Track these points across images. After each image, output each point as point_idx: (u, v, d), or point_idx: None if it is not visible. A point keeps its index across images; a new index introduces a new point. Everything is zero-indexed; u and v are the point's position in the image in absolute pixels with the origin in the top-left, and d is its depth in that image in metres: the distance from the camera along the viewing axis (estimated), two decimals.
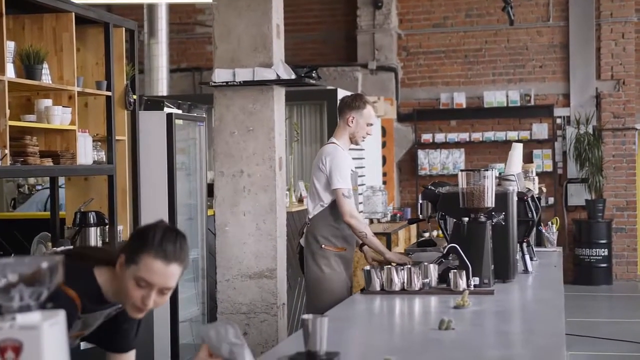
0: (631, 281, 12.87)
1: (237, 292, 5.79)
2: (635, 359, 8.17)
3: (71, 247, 5.20)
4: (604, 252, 12.55)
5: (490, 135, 13.11)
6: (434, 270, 4.41)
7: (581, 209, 12.96)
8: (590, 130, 12.72)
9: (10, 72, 4.87)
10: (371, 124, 5.44)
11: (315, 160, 5.42)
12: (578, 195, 12.91)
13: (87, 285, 2.74)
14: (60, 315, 1.83)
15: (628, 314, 10.56)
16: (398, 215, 11.04)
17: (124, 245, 2.76)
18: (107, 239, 5.81)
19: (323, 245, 5.30)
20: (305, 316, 2.80)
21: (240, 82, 5.67)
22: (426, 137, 13.30)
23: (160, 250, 2.64)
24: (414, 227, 11.33)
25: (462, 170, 4.56)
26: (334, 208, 5.26)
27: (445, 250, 4.52)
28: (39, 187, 8.74)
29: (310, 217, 5.40)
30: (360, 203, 9.99)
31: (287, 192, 7.91)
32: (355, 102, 5.41)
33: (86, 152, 5.49)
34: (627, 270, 12.95)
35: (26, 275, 1.79)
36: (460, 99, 13.23)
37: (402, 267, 4.38)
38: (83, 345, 4.60)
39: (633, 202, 12.97)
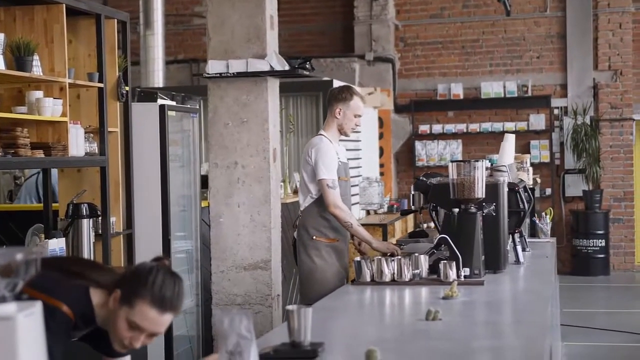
0: (628, 272, 12.88)
1: (231, 283, 5.80)
2: (631, 349, 8.18)
3: (67, 256, 5.18)
4: (601, 242, 12.56)
5: (487, 126, 13.10)
6: (424, 261, 4.41)
7: (578, 200, 12.96)
8: (588, 121, 12.71)
9: (0, 64, 4.86)
10: (359, 115, 5.45)
11: (304, 153, 5.45)
12: (575, 186, 12.90)
13: (82, 305, 2.72)
14: (36, 306, 1.83)
15: (625, 304, 10.57)
16: (395, 206, 11.04)
17: (121, 279, 2.73)
18: (99, 231, 5.81)
19: (314, 237, 5.33)
20: (290, 307, 2.81)
21: (233, 73, 5.66)
22: (423, 128, 13.29)
23: (158, 299, 2.63)
24: (410, 218, 11.34)
25: (452, 161, 4.57)
26: (323, 199, 5.28)
27: (436, 241, 4.52)
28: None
29: (301, 209, 5.44)
30: (356, 194, 10.01)
31: (282, 184, 7.92)
32: (342, 93, 5.43)
33: (78, 143, 5.49)
34: (624, 261, 12.96)
35: (1, 266, 1.80)
36: (457, 90, 13.22)
37: (392, 259, 4.38)
38: None
39: (630, 192, 12.97)
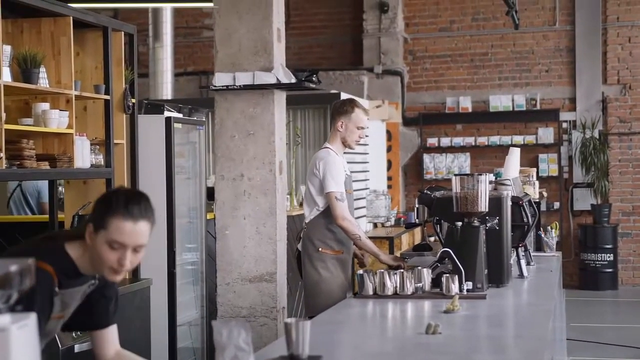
0: (637, 286, 12.82)
1: (237, 295, 5.80)
2: None
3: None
4: (609, 257, 12.51)
5: (496, 139, 13.09)
6: (427, 275, 4.41)
7: (587, 214, 12.92)
8: (596, 135, 12.69)
9: (7, 76, 4.89)
10: (362, 127, 5.49)
11: (309, 166, 5.50)
12: (584, 200, 12.87)
13: (61, 260, 2.81)
14: (30, 318, 1.84)
15: (633, 319, 10.52)
16: (402, 219, 11.03)
17: (89, 218, 2.82)
18: None
19: (320, 249, 5.36)
20: (288, 320, 2.81)
21: (240, 86, 5.69)
22: (432, 141, 13.29)
23: (127, 211, 2.73)
24: (418, 231, 11.32)
25: (456, 175, 4.56)
26: (330, 212, 5.30)
27: (439, 254, 4.51)
28: None
29: (306, 221, 5.47)
30: (363, 207, 10.01)
31: (289, 196, 7.93)
32: (344, 106, 5.49)
33: (84, 155, 5.51)
34: (632, 276, 12.91)
35: None
36: (466, 103, 13.22)
37: (394, 272, 4.38)
38: (77, 347, 4.65)
39: (639, 207, 12.93)
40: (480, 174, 4.49)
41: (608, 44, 12.96)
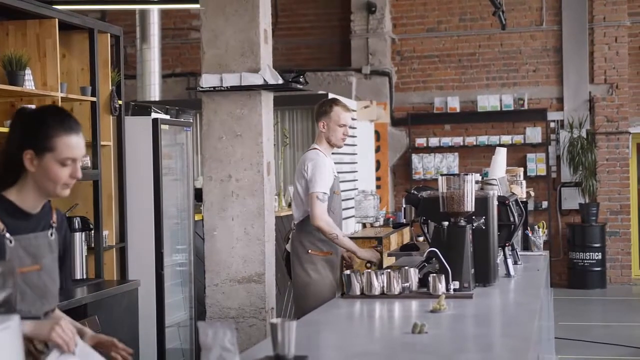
0: (625, 285, 12.87)
1: (225, 296, 5.80)
2: None
3: None
4: (597, 255, 12.56)
5: (484, 139, 13.12)
6: (414, 275, 4.41)
7: (575, 213, 12.96)
8: (584, 134, 12.73)
9: None
10: (343, 125, 5.50)
11: (297, 167, 5.51)
12: (572, 199, 12.91)
13: (2, 206, 2.79)
14: (13, 320, 1.84)
15: (621, 317, 10.56)
16: (391, 219, 11.03)
17: (20, 142, 2.79)
18: (92, 244, 5.81)
19: (309, 251, 5.37)
20: (273, 320, 2.82)
21: (227, 87, 5.69)
22: (420, 141, 13.31)
23: (69, 128, 2.80)
24: (407, 231, 11.33)
25: (442, 175, 4.57)
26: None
27: (426, 254, 4.52)
28: None
29: (295, 222, 5.48)
30: (352, 208, 10.01)
31: (277, 197, 7.93)
32: (322, 107, 5.56)
33: None
34: (620, 274, 12.95)
35: None
36: (454, 103, 13.25)
37: (382, 272, 4.39)
38: None
39: (627, 205, 12.98)
40: (467, 174, 4.51)
41: (595, 44, 13.00)
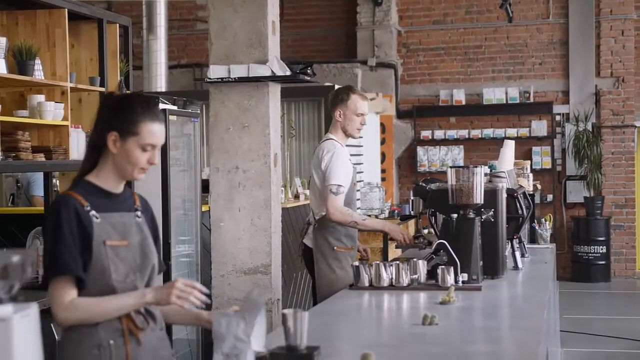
0: (629, 278, 12.88)
1: (232, 287, 5.80)
2: (632, 356, 8.18)
3: None
4: (602, 249, 12.56)
5: (489, 132, 13.12)
6: (422, 267, 4.42)
7: (580, 206, 12.96)
8: (589, 128, 12.73)
9: (2, 68, 4.89)
10: (361, 114, 5.39)
11: (314, 159, 5.39)
12: (577, 193, 12.91)
13: (84, 187, 2.94)
14: (32, 308, 1.85)
15: (626, 311, 10.58)
16: (396, 211, 11.04)
17: (105, 124, 2.92)
18: None
19: (335, 247, 5.27)
20: (286, 311, 2.82)
21: (235, 78, 5.68)
22: (425, 133, 13.31)
23: (154, 115, 2.93)
24: (412, 223, 11.33)
25: (451, 167, 4.57)
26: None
27: (434, 246, 4.53)
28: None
29: (317, 217, 5.33)
30: (358, 200, 10.02)
31: (283, 189, 7.93)
32: (339, 95, 5.41)
33: (79, 147, 5.51)
34: (625, 268, 12.96)
35: None
36: (459, 96, 13.24)
37: (390, 263, 4.39)
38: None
39: (632, 199, 12.98)
40: (476, 166, 4.51)
41: (601, 37, 12.98)
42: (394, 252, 8.66)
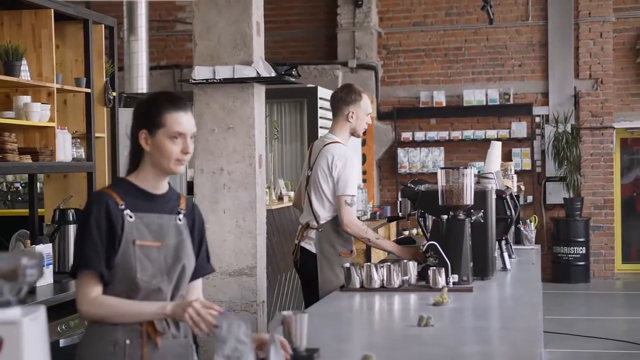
0: (608, 279, 12.97)
1: (217, 289, 5.79)
2: (612, 356, 8.23)
3: None
4: (581, 250, 12.64)
5: (469, 133, 13.16)
6: (413, 268, 4.42)
7: (559, 207, 13.04)
8: (569, 129, 12.80)
9: None
10: (369, 114, 5.26)
11: (320, 161, 5.13)
12: (556, 194, 12.99)
13: (122, 186, 2.99)
14: (41, 311, 1.83)
15: (605, 311, 10.65)
16: (378, 213, 11.07)
17: (137, 125, 2.99)
18: None
19: (341, 253, 5.12)
20: (286, 313, 2.82)
21: (220, 79, 5.67)
22: (406, 135, 13.34)
23: (176, 105, 2.97)
24: (393, 225, 11.37)
25: (441, 168, 4.58)
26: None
27: (425, 247, 4.53)
28: (17, 185, 8.69)
29: (321, 222, 5.12)
30: None
31: (267, 190, 7.91)
32: (351, 95, 5.18)
33: (65, 149, 5.47)
34: (604, 268, 13.05)
35: (5, 270, 1.80)
36: (440, 98, 13.28)
37: (381, 265, 4.39)
38: (62, 342, 4.61)
39: (610, 200, 13.07)
40: (466, 168, 4.52)
41: (580, 39, 13.07)
42: (377, 253, 8.67)
